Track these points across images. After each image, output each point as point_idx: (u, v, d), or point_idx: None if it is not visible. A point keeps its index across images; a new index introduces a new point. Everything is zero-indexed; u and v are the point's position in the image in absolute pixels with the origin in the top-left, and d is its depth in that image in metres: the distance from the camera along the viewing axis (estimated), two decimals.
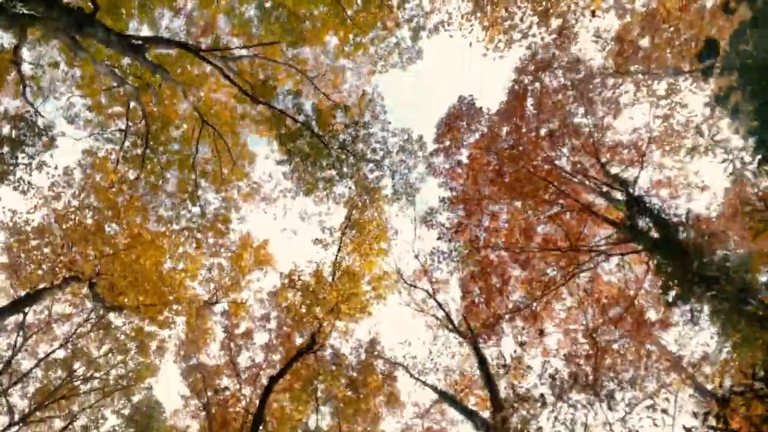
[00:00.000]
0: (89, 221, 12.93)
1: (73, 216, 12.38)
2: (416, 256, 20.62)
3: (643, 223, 13.26)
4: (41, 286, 12.77)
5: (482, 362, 17.14)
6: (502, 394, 16.52)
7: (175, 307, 17.65)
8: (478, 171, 15.68)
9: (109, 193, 12.81)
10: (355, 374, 16.74)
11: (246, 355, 23.11)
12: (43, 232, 12.88)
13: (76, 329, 21.60)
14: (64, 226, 12.38)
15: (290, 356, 15.33)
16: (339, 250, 16.19)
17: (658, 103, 12.97)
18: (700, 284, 10.25)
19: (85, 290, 13.69)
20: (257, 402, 13.67)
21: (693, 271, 10.32)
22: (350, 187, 17.32)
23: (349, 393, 16.36)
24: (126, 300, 15.85)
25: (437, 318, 20.97)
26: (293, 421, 15.37)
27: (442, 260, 12.50)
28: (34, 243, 12.80)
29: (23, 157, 12.16)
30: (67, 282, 12.37)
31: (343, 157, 16.26)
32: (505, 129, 15.89)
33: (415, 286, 20.57)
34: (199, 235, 15.48)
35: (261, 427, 15.68)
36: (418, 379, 19.87)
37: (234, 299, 19.44)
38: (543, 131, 15.59)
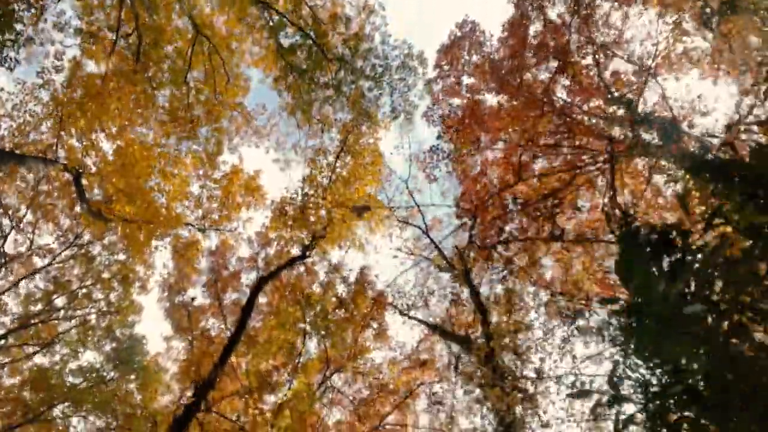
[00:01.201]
0: (79, 111, 12.43)
1: (63, 98, 11.86)
2: (410, 194, 20.33)
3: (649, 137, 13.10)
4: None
5: (476, 295, 16.86)
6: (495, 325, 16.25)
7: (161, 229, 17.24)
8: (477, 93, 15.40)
9: (99, 82, 12.33)
10: (345, 294, 16.38)
11: (233, 296, 22.66)
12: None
13: (58, 254, 21.05)
14: (51, 105, 11.88)
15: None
16: (333, 171, 15.82)
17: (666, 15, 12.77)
18: None
19: (67, 176, 13.09)
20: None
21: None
22: (347, 108, 17.02)
23: (339, 312, 16.01)
24: (114, 210, 15.41)
25: (429, 259, 20.67)
26: (279, 342, 14.95)
27: (441, 159, 12.19)
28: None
29: (11, 33, 11.63)
30: (51, 162, 11.83)
31: (341, 74, 15.92)
32: (506, 53, 15.62)
33: (407, 223, 20.27)
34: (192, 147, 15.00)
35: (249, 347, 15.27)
36: (407, 315, 19.57)
37: (223, 231, 18.96)
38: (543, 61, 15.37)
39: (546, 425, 11.66)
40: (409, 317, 19.46)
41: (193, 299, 19.56)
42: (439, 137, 12.42)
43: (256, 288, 13.70)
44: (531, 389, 13.56)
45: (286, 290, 17.12)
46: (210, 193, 19.56)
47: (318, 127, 18.04)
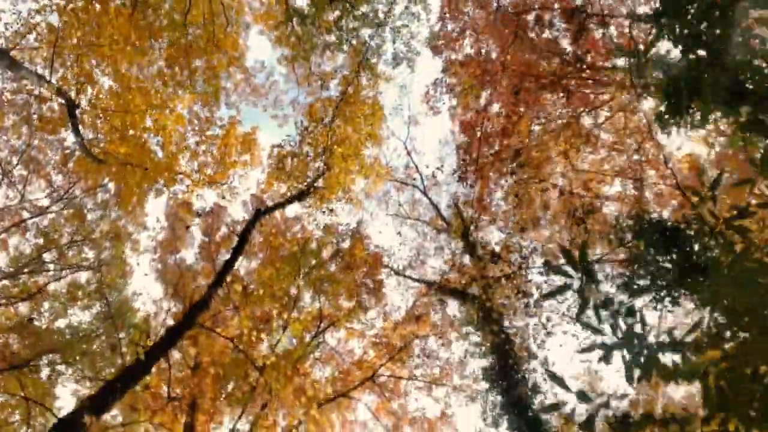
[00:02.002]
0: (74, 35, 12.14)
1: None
2: (409, 153, 20.21)
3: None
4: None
5: (473, 250, 16.72)
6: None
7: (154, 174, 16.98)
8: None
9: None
10: (342, 243, 16.16)
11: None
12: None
13: (48, 209, 20.68)
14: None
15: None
16: (333, 120, 15.62)
17: None
18: None
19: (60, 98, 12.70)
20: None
21: None
22: (348, 59, 16.86)
23: (335, 264, 15.77)
24: (107, 150, 15.15)
25: (427, 223, 20.55)
26: (274, 289, 14.69)
27: (446, 93, 12.01)
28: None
29: None
30: (45, 80, 11.48)
31: (343, 22, 15.76)
32: None
33: (406, 183, 20.14)
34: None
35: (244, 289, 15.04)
36: (402, 275, 19.41)
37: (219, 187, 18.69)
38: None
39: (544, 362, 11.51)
40: (405, 276, 19.31)
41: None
42: (444, 71, 12.28)
43: (253, 220, 13.46)
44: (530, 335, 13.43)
45: (282, 241, 16.88)
46: (206, 146, 19.33)
47: (317, 85, 17.88)
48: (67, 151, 22.18)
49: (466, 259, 17.26)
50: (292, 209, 19.21)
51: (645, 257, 7.51)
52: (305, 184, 14.92)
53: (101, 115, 14.61)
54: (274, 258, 15.69)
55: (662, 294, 7.30)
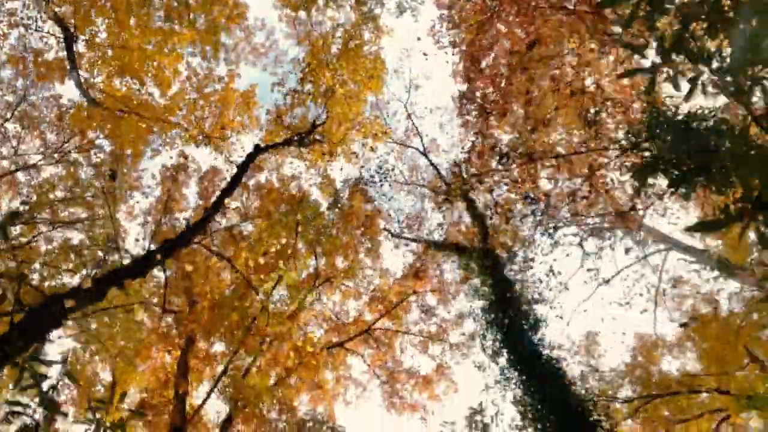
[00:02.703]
0: None
1: None
2: (409, 116, 20.02)
3: None
4: None
5: (473, 208, 16.54)
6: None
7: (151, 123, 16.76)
8: None
9: None
10: (341, 195, 15.96)
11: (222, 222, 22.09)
12: None
13: (41, 166, 20.38)
14: None
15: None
16: (336, 59, 15.38)
17: None
18: None
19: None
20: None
21: None
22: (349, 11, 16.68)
23: (332, 216, 15.54)
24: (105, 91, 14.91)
25: (425, 186, 20.34)
26: (266, 246, 14.44)
27: (451, 28, 11.78)
28: None
29: None
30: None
31: None
32: None
33: (405, 145, 19.95)
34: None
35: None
36: (400, 237, 19.20)
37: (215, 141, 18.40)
38: None
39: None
40: (403, 238, 19.10)
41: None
42: (450, 8, 12.08)
43: (252, 155, 13.23)
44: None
45: (280, 196, 16.64)
46: (204, 101, 19.07)
47: (319, 45, 17.70)
48: (63, 109, 21.91)
49: (467, 218, 17.09)
50: (290, 169, 18.94)
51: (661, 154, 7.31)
52: (305, 131, 14.69)
53: (98, 55, 14.34)
54: (273, 210, 15.45)
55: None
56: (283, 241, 15.49)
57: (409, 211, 19.93)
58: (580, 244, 21.05)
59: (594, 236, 21.31)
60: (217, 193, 12.41)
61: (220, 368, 13.74)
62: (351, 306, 18.36)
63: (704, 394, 16.46)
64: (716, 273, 17.36)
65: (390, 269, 18.08)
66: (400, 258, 18.97)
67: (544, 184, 10.40)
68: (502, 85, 9.24)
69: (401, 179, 21.39)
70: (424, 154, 19.13)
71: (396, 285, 16.39)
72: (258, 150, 13.34)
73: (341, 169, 17.62)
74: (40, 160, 20.62)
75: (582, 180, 9.69)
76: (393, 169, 19.72)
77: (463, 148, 12.75)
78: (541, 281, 11.92)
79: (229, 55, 20.35)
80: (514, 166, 10.04)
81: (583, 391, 9.74)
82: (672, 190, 6.99)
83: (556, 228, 12.20)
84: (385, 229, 19.37)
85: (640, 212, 10.26)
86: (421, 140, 19.26)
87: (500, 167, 10.26)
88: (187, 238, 9.42)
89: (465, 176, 17.66)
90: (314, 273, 16.30)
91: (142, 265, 7.87)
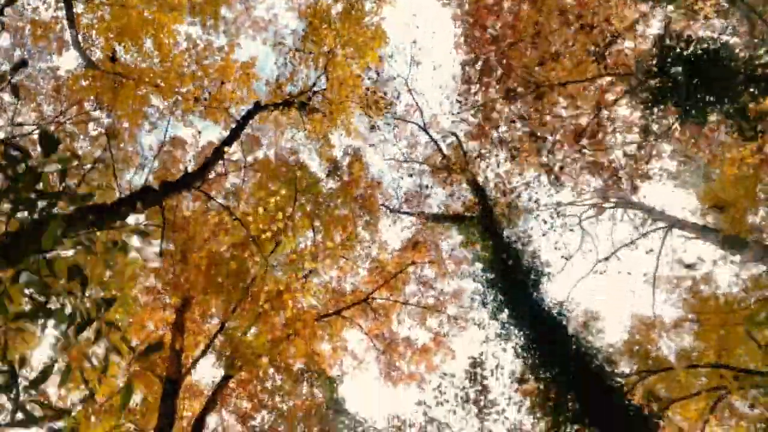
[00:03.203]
0: None
1: None
2: (410, 91, 19.92)
3: None
4: None
5: (475, 186, 16.43)
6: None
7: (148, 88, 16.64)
8: None
9: None
10: (339, 161, 15.83)
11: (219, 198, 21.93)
12: None
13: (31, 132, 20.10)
14: None
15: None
16: (339, 20, 15.23)
17: None
18: None
19: None
20: None
21: None
22: None
23: (333, 183, 15.42)
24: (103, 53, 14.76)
25: (426, 163, 20.23)
26: (264, 203, 14.29)
27: None
28: None
29: None
30: None
31: None
32: None
33: (405, 120, 19.85)
34: None
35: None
36: (398, 211, 19.10)
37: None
38: None
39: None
40: (401, 212, 19.00)
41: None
42: None
43: (252, 111, 13.08)
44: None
45: (278, 166, 16.53)
46: (204, 71, 18.92)
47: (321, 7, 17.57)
48: (60, 81, 21.76)
49: (467, 193, 16.99)
50: (288, 143, 18.81)
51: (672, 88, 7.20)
52: (306, 94, 14.55)
53: (97, 16, 14.19)
54: (272, 178, 15.32)
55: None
56: (282, 203, 15.36)
57: (408, 188, 19.84)
58: (580, 224, 21.00)
59: (595, 215, 21.28)
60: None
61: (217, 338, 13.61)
62: (349, 278, 18.23)
63: (702, 371, 16.37)
64: (717, 249, 17.33)
65: (388, 243, 17.94)
66: (398, 234, 18.80)
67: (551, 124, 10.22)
68: (509, 19, 9.11)
69: (400, 157, 21.32)
70: (425, 129, 19.04)
71: (394, 257, 16.25)
72: (258, 107, 13.20)
73: (341, 136, 17.31)
74: (34, 130, 20.41)
75: (590, 117, 9.57)
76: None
77: (465, 100, 12.58)
78: (540, 250, 11.82)
79: (229, 28, 20.28)
80: (520, 102, 9.91)
81: (584, 341, 9.63)
82: (682, 121, 6.91)
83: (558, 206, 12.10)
84: (383, 205, 19.28)
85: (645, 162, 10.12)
86: (422, 115, 19.17)
87: (507, 102, 10.12)
88: (185, 181, 9.27)
89: (465, 149, 17.60)
90: (312, 244, 16.18)
91: (138, 198, 7.71)
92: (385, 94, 19.71)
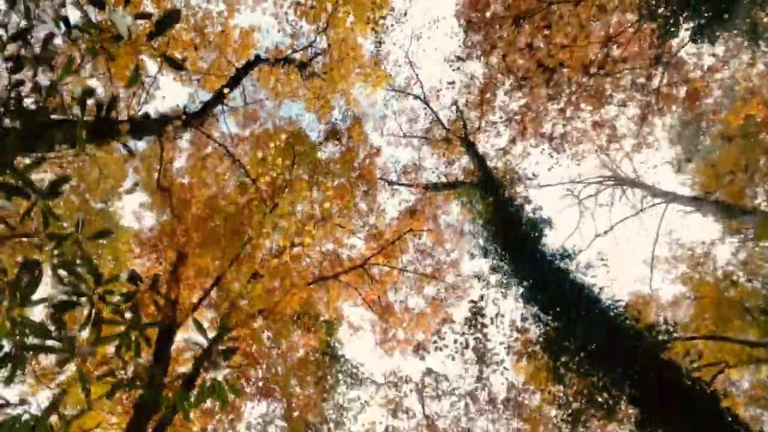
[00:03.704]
0: None
1: None
2: (410, 64, 19.80)
3: None
4: None
5: (475, 154, 16.33)
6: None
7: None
8: None
9: None
10: (339, 125, 15.67)
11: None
12: None
13: None
14: None
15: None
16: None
17: None
18: None
19: None
20: None
21: None
22: None
23: (332, 146, 15.25)
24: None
25: (425, 137, 20.12)
26: (266, 169, 14.12)
27: None
28: None
29: None
30: None
31: None
32: None
33: (406, 93, 19.73)
34: None
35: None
36: (396, 183, 18.97)
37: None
38: None
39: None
40: (399, 184, 18.87)
41: None
42: None
43: (252, 63, 12.90)
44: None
45: (276, 132, 16.36)
46: (202, 39, 18.71)
47: None
48: (59, 50, 21.47)
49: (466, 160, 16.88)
50: (286, 110, 18.63)
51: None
52: (306, 51, 14.42)
53: None
54: (270, 141, 15.13)
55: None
56: (279, 166, 15.21)
57: (407, 162, 19.72)
58: (579, 204, 20.90)
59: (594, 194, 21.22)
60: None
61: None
62: (346, 245, 18.07)
63: (700, 342, 16.32)
64: (716, 222, 17.28)
65: (386, 212, 17.80)
66: (396, 207, 18.64)
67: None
68: None
69: (399, 132, 21.22)
70: (424, 101, 18.92)
71: (392, 226, 16.10)
72: (258, 59, 13.04)
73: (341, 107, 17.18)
74: (32, 103, 20.14)
75: (599, 47, 9.44)
76: None
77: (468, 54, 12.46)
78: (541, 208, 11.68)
79: None
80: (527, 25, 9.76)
81: (586, 282, 9.49)
82: (693, 40, 6.81)
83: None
84: (381, 178, 19.15)
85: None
86: (422, 87, 19.05)
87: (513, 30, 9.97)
88: (185, 119, 9.09)
89: (465, 119, 17.48)
90: (310, 210, 16.00)
91: (137, 123, 7.52)
92: (386, 66, 19.62)
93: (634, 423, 7.18)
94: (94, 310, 2.80)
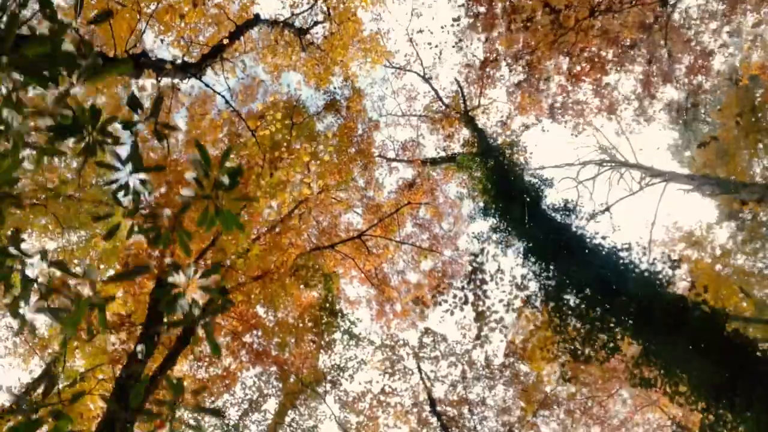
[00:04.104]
0: None
1: None
2: (410, 40, 19.70)
3: None
4: None
5: (474, 128, 16.24)
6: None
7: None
8: None
9: None
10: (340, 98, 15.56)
11: (212, 153, 21.57)
12: None
13: None
14: None
15: None
16: None
17: None
18: None
19: None
20: None
21: None
22: None
23: (331, 118, 15.14)
24: None
25: (425, 115, 20.02)
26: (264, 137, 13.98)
27: None
28: None
29: None
30: None
31: None
32: None
33: (405, 69, 19.63)
34: None
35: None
36: (394, 159, 18.90)
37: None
38: None
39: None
40: (397, 160, 18.79)
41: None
42: None
43: (252, 22, 12.76)
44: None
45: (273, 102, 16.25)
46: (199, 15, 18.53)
47: None
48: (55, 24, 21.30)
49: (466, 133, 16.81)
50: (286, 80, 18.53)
51: None
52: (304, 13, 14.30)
53: None
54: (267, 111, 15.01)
55: None
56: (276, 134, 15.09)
57: (405, 139, 19.63)
58: (577, 186, 20.85)
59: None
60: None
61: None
62: (344, 218, 17.97)
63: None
64: (714, 199, 17.27)
65: (384, 186, 17.72)
66: (394, 184, 18.54)
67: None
68: None
69: (398, 112, 21.13)
70: (424, 77, 18.83)
71: (390, 200, 16.02)
72: (258, 19, 12.90)
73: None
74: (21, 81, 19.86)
75: None
76: None
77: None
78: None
79: None
80: None
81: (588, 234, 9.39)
82: None
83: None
84: (380, 155, 19.05)
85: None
86: (422, 64, 18.96)
87: None
88: (183, 67, 8.95)
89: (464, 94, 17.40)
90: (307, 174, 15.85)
91: (136, 60, 7.39)
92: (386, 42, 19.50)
93: (639, 355, 7.10)
94: (90, 138, 2.68)
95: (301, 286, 12.13)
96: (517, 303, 9.32)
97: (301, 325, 11.97)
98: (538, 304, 9.05)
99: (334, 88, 15.91)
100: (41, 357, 15.14)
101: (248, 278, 12.19)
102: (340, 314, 13.49)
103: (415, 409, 14.07)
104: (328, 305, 13.06)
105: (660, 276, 7.93)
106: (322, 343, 12.91)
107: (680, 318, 6.89)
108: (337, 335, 13.24)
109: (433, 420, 13.83)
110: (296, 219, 13.21)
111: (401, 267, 16.33)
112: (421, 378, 14.30)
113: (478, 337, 9.73)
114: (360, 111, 15.59)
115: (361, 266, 14.82)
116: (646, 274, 7.89)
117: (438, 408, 13.91)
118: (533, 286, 9.21)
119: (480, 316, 9.34)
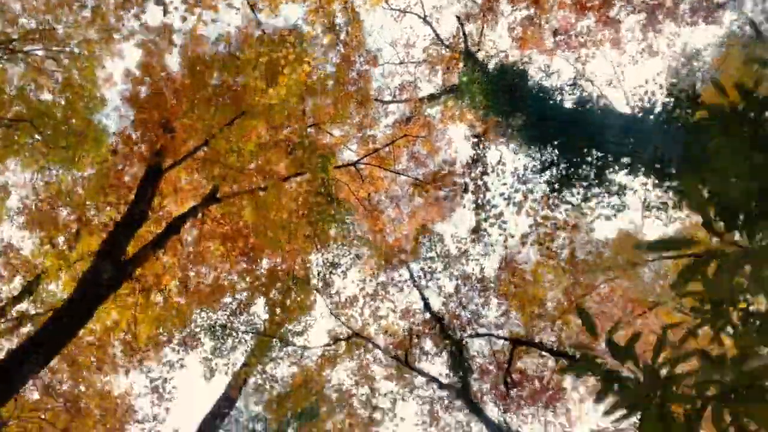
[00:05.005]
0: None
1: None
2: None
3: None
4: None
5: (475, 62, 16.01)
6: None
7: None
8: None
9: None
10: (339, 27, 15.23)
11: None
12: None
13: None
14: None
15: None
16: None
17: None
18: None
19: None
20: None
21: None
22: None
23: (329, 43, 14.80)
24: None
25: (425, 60, 19.77)
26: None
27: None
28: None
29: None
30: None
31: None
32: None
33: (405, 11, 19.39)
34: None
35: None
36: (391, 101, 18.66)
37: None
38: None
39: None
40: (394, 102, 18.55)
41: None
42: None
43: None
44: None
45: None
46: None
47: None
48: None
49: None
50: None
51: None
52: None
53: None
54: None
55: None
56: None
57: (401, 82, 19.39)
58: None
59: None
60: None
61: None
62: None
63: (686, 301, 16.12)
64: None
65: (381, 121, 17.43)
66: (391, 123, 18.23)
67: None
68: None
69: (396, 60, 20.87)
70: (425, 19, 18.60)
71: (386, 134, 15.76)
72: None
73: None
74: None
75: None
76: None
77: None
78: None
79: None
80: None
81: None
82: None
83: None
84: (377, 99, 18.77)
85: None
86: (422, 6, 18.73)
87: None
88: None
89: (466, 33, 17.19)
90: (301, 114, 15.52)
91: None
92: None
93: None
94: None
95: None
96: (518, 197, 9.12)
97: (295, 220, 11.63)
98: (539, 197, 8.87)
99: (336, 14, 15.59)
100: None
101: (241, 186, 11.86)
102: (336, 202, 13.19)
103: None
104: (323, 190, 12.73)
105: None
106: (315, 239, 12.59)
107: None
108: (332, 231, 12.99)
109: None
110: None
111: (397, 199, 16.02)
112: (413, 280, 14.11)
113: (475, 231, 9.51)
114: (359, 38, 15.29)
115: (354, 192, 14.57)
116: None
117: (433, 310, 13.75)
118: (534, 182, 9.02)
119: (479, 210, 9.13)
